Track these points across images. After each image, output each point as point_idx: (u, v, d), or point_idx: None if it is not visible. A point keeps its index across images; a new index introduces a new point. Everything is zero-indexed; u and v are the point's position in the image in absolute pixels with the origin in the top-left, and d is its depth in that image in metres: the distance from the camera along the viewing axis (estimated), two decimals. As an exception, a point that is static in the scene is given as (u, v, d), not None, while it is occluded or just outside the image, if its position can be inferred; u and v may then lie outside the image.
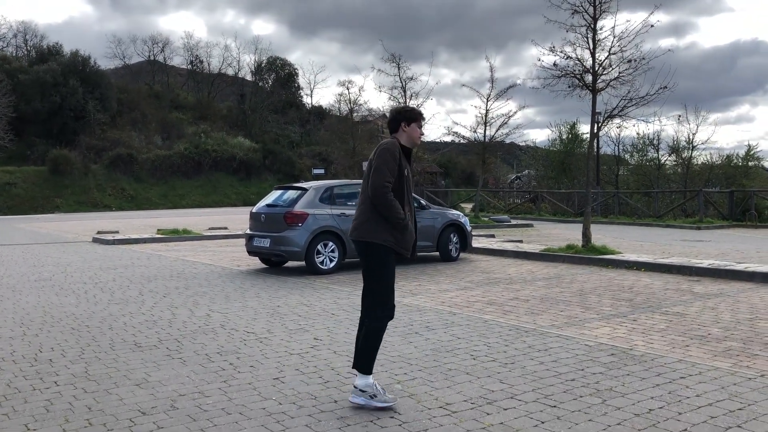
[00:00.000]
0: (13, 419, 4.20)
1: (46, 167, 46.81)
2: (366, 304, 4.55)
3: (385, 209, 4.40)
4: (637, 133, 44.18)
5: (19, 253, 15.28)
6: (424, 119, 4.89)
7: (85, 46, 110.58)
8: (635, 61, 12.86)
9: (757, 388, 4.70)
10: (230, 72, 73.86)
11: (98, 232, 20.17)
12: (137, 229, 22.50)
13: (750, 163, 40.28)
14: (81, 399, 4.58)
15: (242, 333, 6.63)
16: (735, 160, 39.94)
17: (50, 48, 59.17)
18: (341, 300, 8.58)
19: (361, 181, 15.78)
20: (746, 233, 22.27)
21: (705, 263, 11.16)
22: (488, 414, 4.22)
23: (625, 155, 44.62)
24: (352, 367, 4.55)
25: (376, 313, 4.48)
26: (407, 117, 4.68)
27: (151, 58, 72.39)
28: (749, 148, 40.27)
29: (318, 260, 11.16)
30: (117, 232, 20.57)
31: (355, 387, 4.43)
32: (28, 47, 65.74)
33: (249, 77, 72.62)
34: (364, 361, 4.45)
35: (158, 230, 20.41)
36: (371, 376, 4.45)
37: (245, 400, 4.54)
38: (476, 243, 14.97)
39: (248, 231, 12.10)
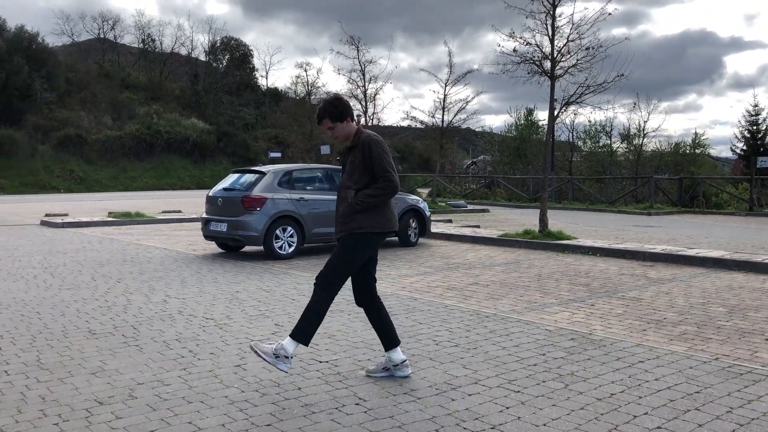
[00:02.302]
0: (-39, 411, 4.02)
1: (-11, 147, 45.07)
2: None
3: None
4: (589, 121, 45.01)
5: (-37, 236, 14.70)
6: (317, 122, 4.79)
7: (31, 23, 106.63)
8: (593, 48, 13.04)
9: (712, 371, 4.82)
10: (183, 52, 72.17)
11: (47, 215, 19.55)
12: (88, 212, 21.89)
13: (697, 151, 41.46)
14: (33, 389, 4.41)
15: (201, 319, 6.51)
16: (683, 148, 41.03)
17: (-7, 23, 56.81)
18: (301, 285, 8.49)
19: (317, 165, 15.64)
20: (694, 219, 22.91)
21: (658, 249, 11.42)
22: (453, 400, 4.22)
23: (579, 142, 45.44)
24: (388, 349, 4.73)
25: None
26: None
27: (101, 36, 70.17)
28: (696, 135, 41.48)
29: (276, 245, 11.02)
30: (66, 214, 19.96)
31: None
32: (-30, 22, 63.03)
33: (203, 57, 71.12)
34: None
35: (110, 213, 19.90)
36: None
37: (206, 388, 4.44)
38: (434, 228, 15.02)
39: (204, 215, 11.87)
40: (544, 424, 3.81)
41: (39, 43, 54.38)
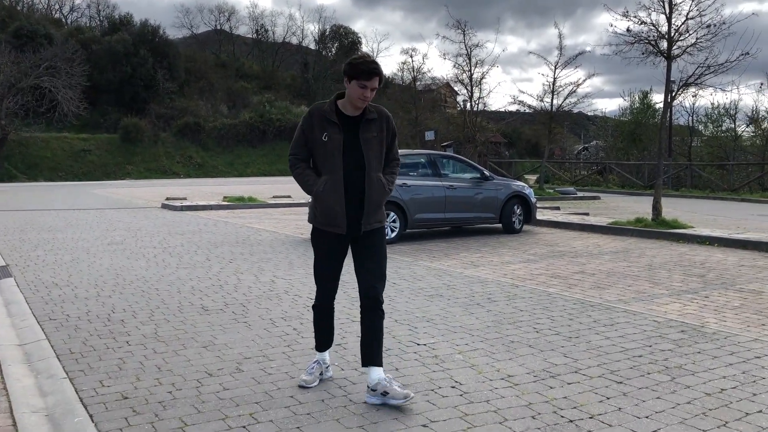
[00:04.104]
0: (88, 375, 4.38)
1: (118, 135, 48.29)
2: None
3: (298, 183, 4.16)
4: (712, 103, 42.39)
5: (93, 217, 15.89)
6: (368, 77, 3.80)
7: (154, 17, 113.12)
8: (715, 26, 12.28)
9: (839, 371, 4.47)
10: (294, 41, 74.29)
11: (167, 199, 20.76)
12: (204, 196, 23.05)
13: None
14: (151, 359, 4.74)
15: (305, 299, 6.73)
16: (819, 132, 37.80)
17: (121, 18, 60.69)
18: (402, 270, 8.59)
19: (421, 151, 15.67)
20: (829, 209, 21.14)
21: (784, 239, 10.65)
22: (551, 388, 4.15)
23: (699, 126, 42.97)
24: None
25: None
26: (348, 71, 3.86)
27: (218, 27, 73.43)
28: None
29: (380, 229, 11.15)
30: (185, 198, 21.13)
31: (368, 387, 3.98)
32: (101, 18, 67.74)
33: (312, 46, 72.89)
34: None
35: (224, 197, 20.87)
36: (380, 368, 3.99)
37: (308, 365, 4.59)
38: (540, 215, 14.70)
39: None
40: (647, 417, 3.68)
41: (161, 36, 57.50)
